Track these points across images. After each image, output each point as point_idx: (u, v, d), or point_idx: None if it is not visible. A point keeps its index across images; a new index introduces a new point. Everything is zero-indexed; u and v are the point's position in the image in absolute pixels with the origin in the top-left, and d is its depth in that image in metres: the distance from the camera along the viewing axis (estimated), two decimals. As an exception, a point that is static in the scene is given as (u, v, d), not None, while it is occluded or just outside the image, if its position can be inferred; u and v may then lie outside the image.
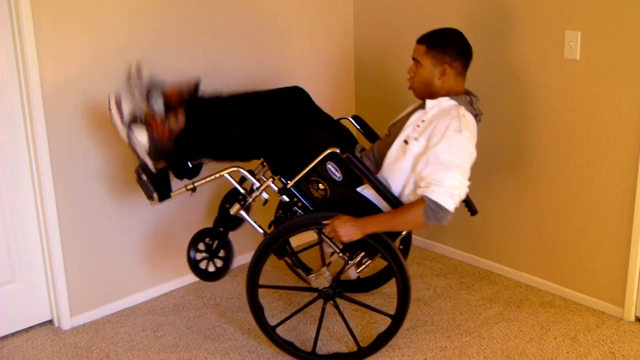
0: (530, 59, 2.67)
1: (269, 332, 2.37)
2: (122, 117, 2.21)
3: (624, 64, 2.42)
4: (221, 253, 2.42)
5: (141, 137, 2.21)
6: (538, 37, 2.64)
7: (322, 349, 2.46)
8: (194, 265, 2.43)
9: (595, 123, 2.55)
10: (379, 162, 2.32)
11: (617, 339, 2.49)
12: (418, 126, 2.18)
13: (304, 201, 2.25)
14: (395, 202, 2.18)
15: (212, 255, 2.43)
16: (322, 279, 2.30)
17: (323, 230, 2.20)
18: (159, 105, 2.28)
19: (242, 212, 2.32)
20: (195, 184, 2.36)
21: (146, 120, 2.24)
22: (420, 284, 2.94)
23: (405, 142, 2.18)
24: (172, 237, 2.89)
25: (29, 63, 2.34)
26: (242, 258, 3.15)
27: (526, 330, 2.56)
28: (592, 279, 2.70)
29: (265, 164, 2.48)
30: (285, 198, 2.25)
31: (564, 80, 2.59)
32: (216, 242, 2.43)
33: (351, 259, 2.28)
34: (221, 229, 2.45)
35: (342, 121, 2.59)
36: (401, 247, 2.77)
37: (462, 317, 2.67)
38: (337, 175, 2.20)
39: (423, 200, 2.06)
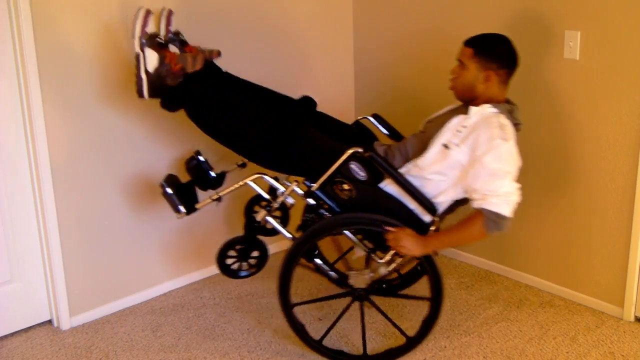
0: (530, 59, 2.67)
1: (316, 347, 2.38)
2: (143, 27, 2.19)
3: (623, 63, 2.42)
4: (254, 253, 2.44)
5: (151, 55, 2.19)
6: (538, 37, 2.64)
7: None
8: (225, 269, 2.43)
9: (595, 123, 2.55)
10: (411, 159, 2.27)
11: (616, 339, 2.49)
12: (459, 132, 2.15)
13: (330, 203, 2.24)
14: (424, 201, 2.18)
15: (244, 257, 2.43)
16: (361, 279, 2.30)
17: (385, 236, 2.18)
18: (177, 48, 2.29)
19: (269, 218, 2.31)
20: (220, 194, 2.35)
21: (161, 46, 2.23)
22: (419, 284, 2.93)
23: (446, 146, 2.15)
24: (172, 237, 2.89)
25: (29, 63, 2.34)
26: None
27: (526, 330, 2.56)
28: (591, 279, 2.70)
29: None
30: (312, 201, 2.24)
31: (564, 80, 2.59)
32: (247, 246, 2.43)
33: (381, 258, 2.28)
34: (250, 235, 2.45)
35: (362, 121, 2.58)
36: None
37: (462, 317, 2.67)
38: (362, 174, 2.19)
39: (481, 213, 2.07)
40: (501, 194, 2.05)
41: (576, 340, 2.49)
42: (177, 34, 2.34)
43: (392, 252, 2.24)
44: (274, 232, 2.42)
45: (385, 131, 2.63)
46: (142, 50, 2.20)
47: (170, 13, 2.33)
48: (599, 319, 2.63)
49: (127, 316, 2.73)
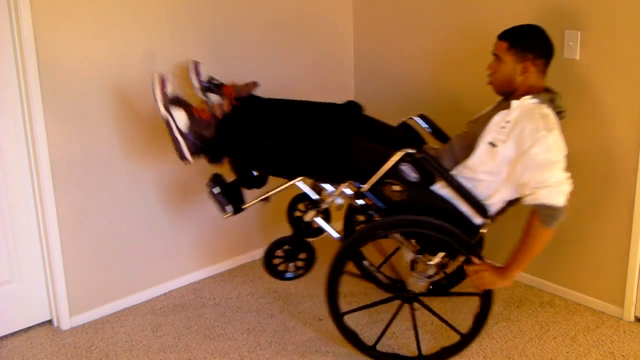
0: (530, 59, 2.67)
1: (370, 352, 2.36)
2: (163, 90, 2.17)
3: (623, 63, 2.42)
4: (302, 255, 2.42)
5: (179, 114, 2.16)
6: (538, 37, 2.64)
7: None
8: (272, 269, 2.43)
9: (594, 123, 2.55)
10: (459, 160, 2.25)
11: (616, 339, 2.49)
12: (503, 127, 2.13)
13: (380, 204, 2.20)
14: (476, 203, 2.16)
15: (291, 258, 2.42)
16: (419, 284, 2.28)
17: (466, 268, 2.19)
18: (214, 98, 2.27)
19: (318, 219, 2.30)
20: (268, 194, 2.33)
21: (186, 104, 2.21)
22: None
23: (492, 144, 2.13)
24: (172, 237, 2.89)
25: (29, 63, 2.34)
26: (243, 258, 3.15)
27: (526, 330, 2.56)
28: (591, 279, 2.70)
29: None
30: (361, 201, 2.22)
31: (564, 80, 2.59)
32: (295, 247, 2.41)
33: (430, 260, 2.26)
34: (299, 236, 2.43)
35: (408, 121, 2.56)
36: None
37: (461, 317, 2.67)
38: (414, 175, 2.16)
39: (535, 213, 2.07)
40: (552, 184, 2.03)
41: (576, 340, 2.49)
42: (210, 80, 2.31)
43: (441, 254, 2.23)
44: (317, 232, 2.39)
45: (430, 131, 2.60)
46: (169, 112, 2.17)
47: (196, 65, 2.31)
48: (599, 319, 2.63)
49: (127, 316, 2.73)
